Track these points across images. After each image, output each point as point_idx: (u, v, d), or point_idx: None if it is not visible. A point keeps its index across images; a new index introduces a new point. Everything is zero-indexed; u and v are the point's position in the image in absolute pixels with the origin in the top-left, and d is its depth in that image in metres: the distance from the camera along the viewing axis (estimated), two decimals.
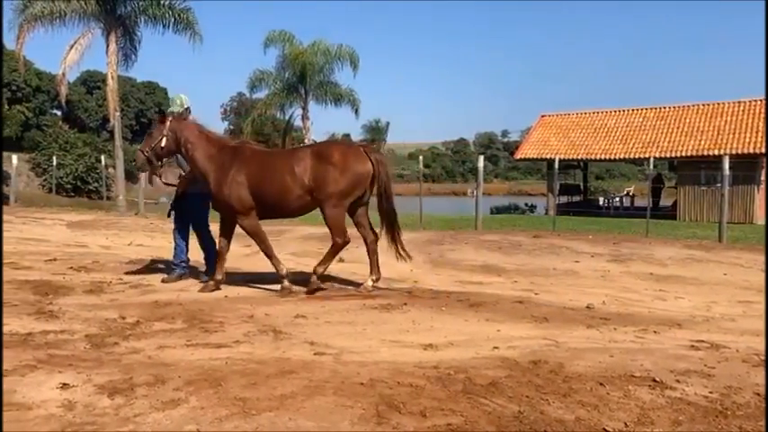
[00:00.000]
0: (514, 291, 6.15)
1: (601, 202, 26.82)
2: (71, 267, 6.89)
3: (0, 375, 2.98)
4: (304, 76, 28.42)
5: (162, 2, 22.08)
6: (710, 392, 2.90)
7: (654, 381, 3.03)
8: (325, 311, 4.87)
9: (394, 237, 6.04)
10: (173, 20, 22.11)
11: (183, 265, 6.51)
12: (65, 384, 2.91)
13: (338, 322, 4.52)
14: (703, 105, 22.39)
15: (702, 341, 3.95)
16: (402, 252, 6.05)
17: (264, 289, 5.96)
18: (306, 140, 30.60)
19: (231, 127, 74.81)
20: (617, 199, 26.82)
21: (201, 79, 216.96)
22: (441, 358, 3.46)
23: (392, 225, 6.03)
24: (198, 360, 3.40)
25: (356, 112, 30.34)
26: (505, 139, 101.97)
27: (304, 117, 29.99)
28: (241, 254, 8.42)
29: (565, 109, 30.68)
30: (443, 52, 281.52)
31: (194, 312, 4.71)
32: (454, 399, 2.77)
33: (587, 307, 5.22)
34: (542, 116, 26.62)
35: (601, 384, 2.98)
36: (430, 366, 3.25)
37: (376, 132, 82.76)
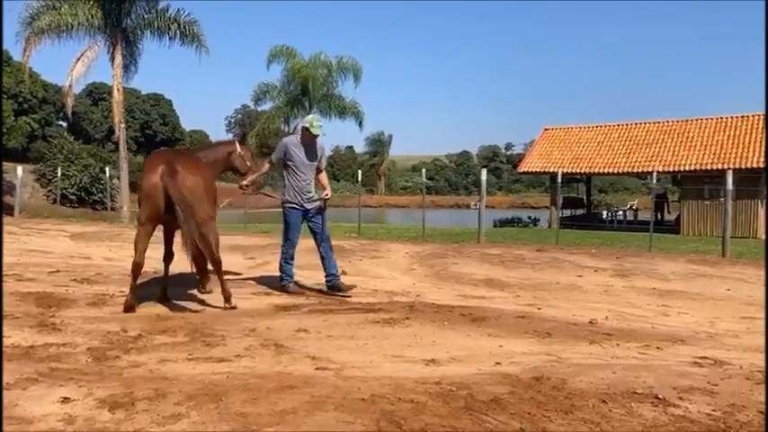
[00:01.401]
0: (517, 305, 6.13)
1: (604, 216, 26.81)
2: (74, 279, 6.90)
3: (0, 389, 2.98)
4: (307, 90, 28.64)
5: (168, 15, 22.30)
6: (713, 410, 2.88)
7: (656, 398, 3.01)
8: (327, 325, 4.86)
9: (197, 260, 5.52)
10: (178, 32, 22.31)
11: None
12: (66, 398, 2.91)
13: (340, 336, 4.51)
14: (706, 120, 22.43)
15: (706, 358, 3.93)
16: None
17: (266, 303, 5.96)
18: None
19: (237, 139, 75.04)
20: (620, 212, 26.80)
21: (206, 92, 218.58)
22: (443, 374, 3.45)
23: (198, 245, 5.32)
24: (199, 374, 3.39)
25: (360, 124, 30.55)
26: (509, 152, 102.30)
27: None
28: (245, 266, 8.43)
29: (568, 122, 30.76)
30: (447, 65, 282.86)
31: (196, 326, 4.70)
32: (456, 415, 2.76)
33: (590, 322, 5.20)
34: (545, 129, 26.68)
35: (603, 401, 2.96)
36: (432, 382, 3.24)
37: (379, 145, 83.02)
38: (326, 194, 6.60)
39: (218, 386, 3.12)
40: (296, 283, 6.68)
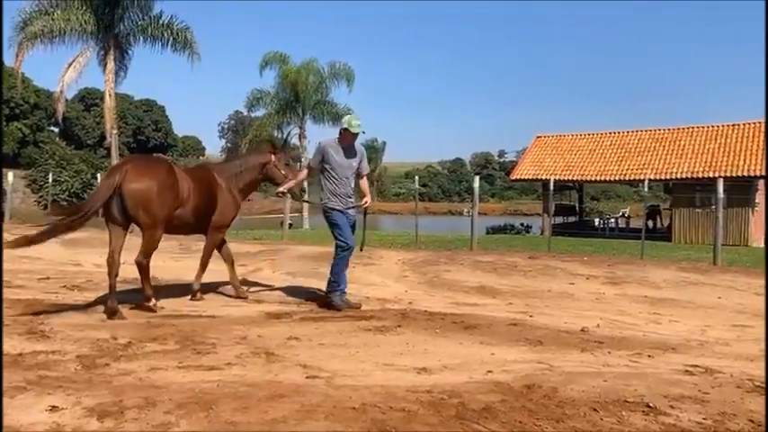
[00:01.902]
0: (509, 313, 6.13)
1: (596, 223, 26.90)
2: (64, 286, 6.87)
3: (0, 395, 2.95)
4: (299, 96, 28.67)
5: (161, 21, 22.29)
6: (704, 419, 2.89)
7: (647, 406, 3.02)
8: (318, 333, 4.85)
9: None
10: (171, 39, 22.29)
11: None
12: (54, 407, 2.88)
13: (331, 344, 4.50)
14: (698, 128, 22.60)
15: (697, 366, 3.94)
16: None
17: (257, 310, 5.94)
18: (302, 159, 30.75)
19: (229, 145, 75.14)
20: (612, 220, 26.90)
21: (199, 97, 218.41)
22: (434, 382, 3.44)
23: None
24: (189, 383, 3.37)
25: None
26: (502, 160, 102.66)
27: (301, 136, 30.16)
28: (238, 273, 8.38)
29: (560, 130, 30.89)
30: (440, 72, 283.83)
31: (187, 333, 4.67)
32: (447, 424, 2.75)
33: (582, 330, 5.20)
34: (538, 137, 26.80)
35: (594, 410, 2.96)
36: (423, 390, 3.23)
37: (372, 151, 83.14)
38: (366, 201, 6.34)
39: (209, 394, 3.10)
40: (342, 293, 6.20)
